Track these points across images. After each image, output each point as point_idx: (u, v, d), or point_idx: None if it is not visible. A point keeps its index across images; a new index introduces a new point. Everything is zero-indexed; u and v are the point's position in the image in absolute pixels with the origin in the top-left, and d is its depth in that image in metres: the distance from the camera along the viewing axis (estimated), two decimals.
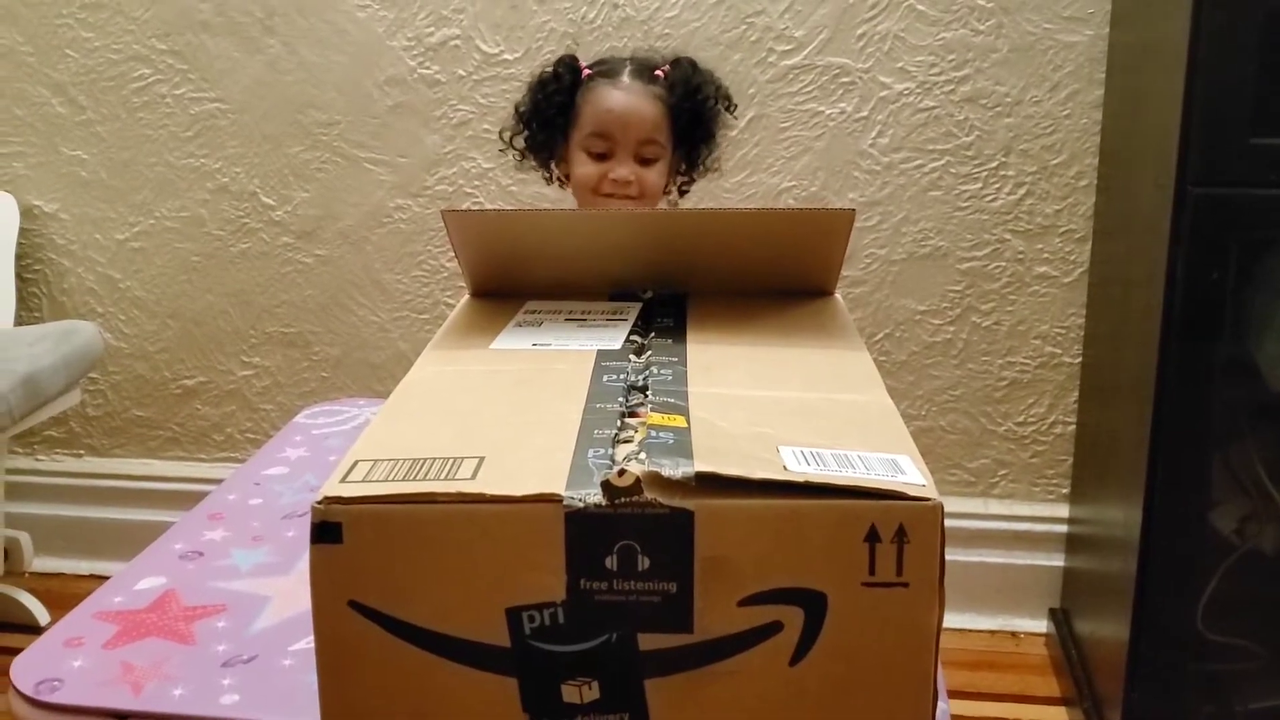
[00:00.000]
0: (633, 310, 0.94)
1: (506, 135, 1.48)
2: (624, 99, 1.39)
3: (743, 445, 0.66)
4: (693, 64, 1.46)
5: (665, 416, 0.69)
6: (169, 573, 0.93)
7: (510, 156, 1.50)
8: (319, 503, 0.60)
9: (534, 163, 1.49)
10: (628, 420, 0.71)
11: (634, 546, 0.60)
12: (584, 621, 0.61)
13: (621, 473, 0.60)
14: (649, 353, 0.82)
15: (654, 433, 0.66)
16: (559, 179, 1.50)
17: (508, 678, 0.62)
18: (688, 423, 0.68)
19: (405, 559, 0.60)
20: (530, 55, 1.82)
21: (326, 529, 0.60)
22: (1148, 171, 1.43)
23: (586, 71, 1.43)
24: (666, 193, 1.49)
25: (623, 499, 0.60)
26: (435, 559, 0.60)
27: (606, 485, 0.60)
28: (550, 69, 1.46)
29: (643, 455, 0.63)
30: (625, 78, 1.41)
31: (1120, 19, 1.63)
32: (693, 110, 1.43)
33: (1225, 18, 1.22)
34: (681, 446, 0.64)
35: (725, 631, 0.61)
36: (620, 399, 0.73)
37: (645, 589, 0.61)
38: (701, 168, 1.51)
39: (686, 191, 1.54)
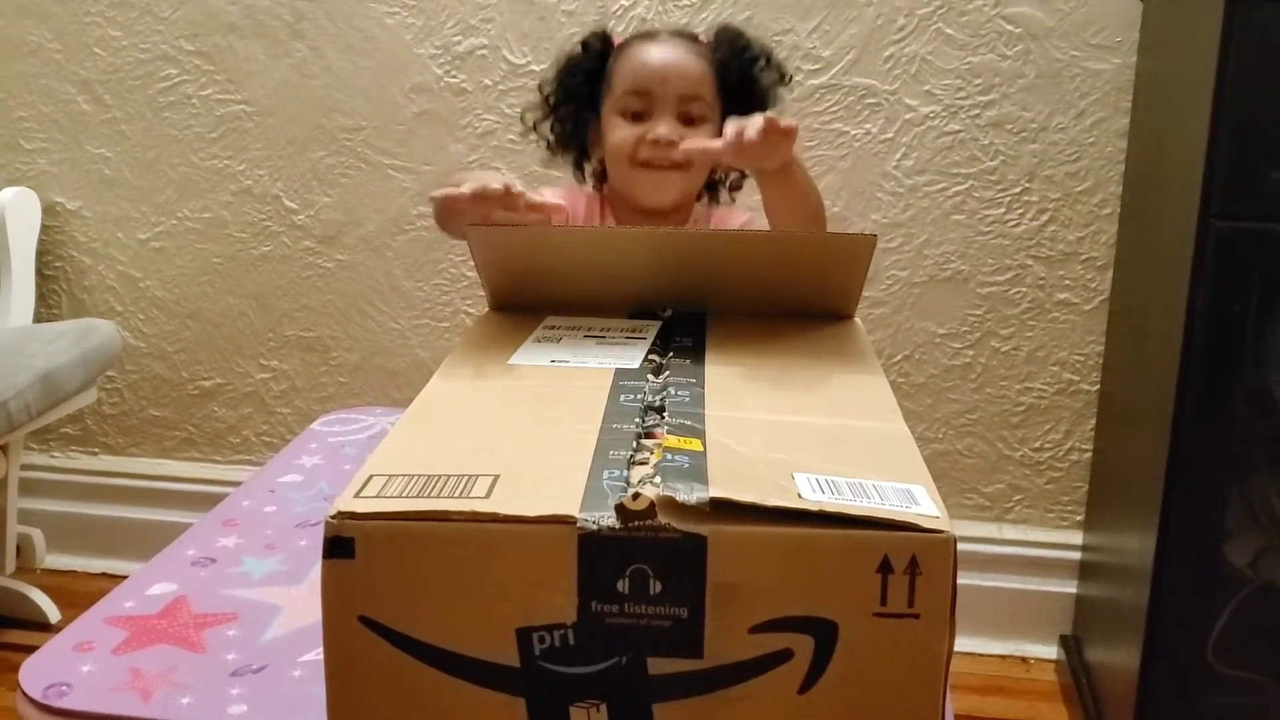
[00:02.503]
0: (652, 329, 0.94)
1: (530, 119, 1.35)
2: (663, 51, 1.25)
3: (759, 471, 0.66)
4: (739, 30, 1.32)
5: (681, 439, 0.69)
6: (180, 579, 0.93)
7: (539, 145, 1.36)
8: (332, 517, 0.60)
9: (563, 155, 1.35)
10: (644, 441, 0.71)
11: (646, 570, 0.60)
12: (594, 644, 0.61)
13: (636, 496, 0.61)
14: (667, 373, 0.82)
15: (670, 455, 0.66)
16: (594, 172, 1.36)
17: (516, 698, 0.62)
18: (704, 446, 0.68)
19: (417, 576, 0.61)
20: None
21: (339, 544, 0.60)
22: (1171, 202, 1.43)
23: (619, 41, 1.31)
24: (714, 178, 1.35)
25: (636, 522, 0.60)
26: (447, 577, 0.61)
27: (620, 508, 0.60)
28: (578, 43, 1.32)
29: (658, 479, 0.63)
30: (664, 35, 1.28)
31: (1148, 48, 1.62)
32: (741, 70, 1.29)
33: (1253, 51, 1.22)
34: (697, 471, 0.64)
35: (735, 658, 0.61)
36: (637, 419, 0.73)
37: (656, 613, 0.61)
38: None
39: (739, 187, 1.38)
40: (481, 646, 0.61)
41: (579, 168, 1.36)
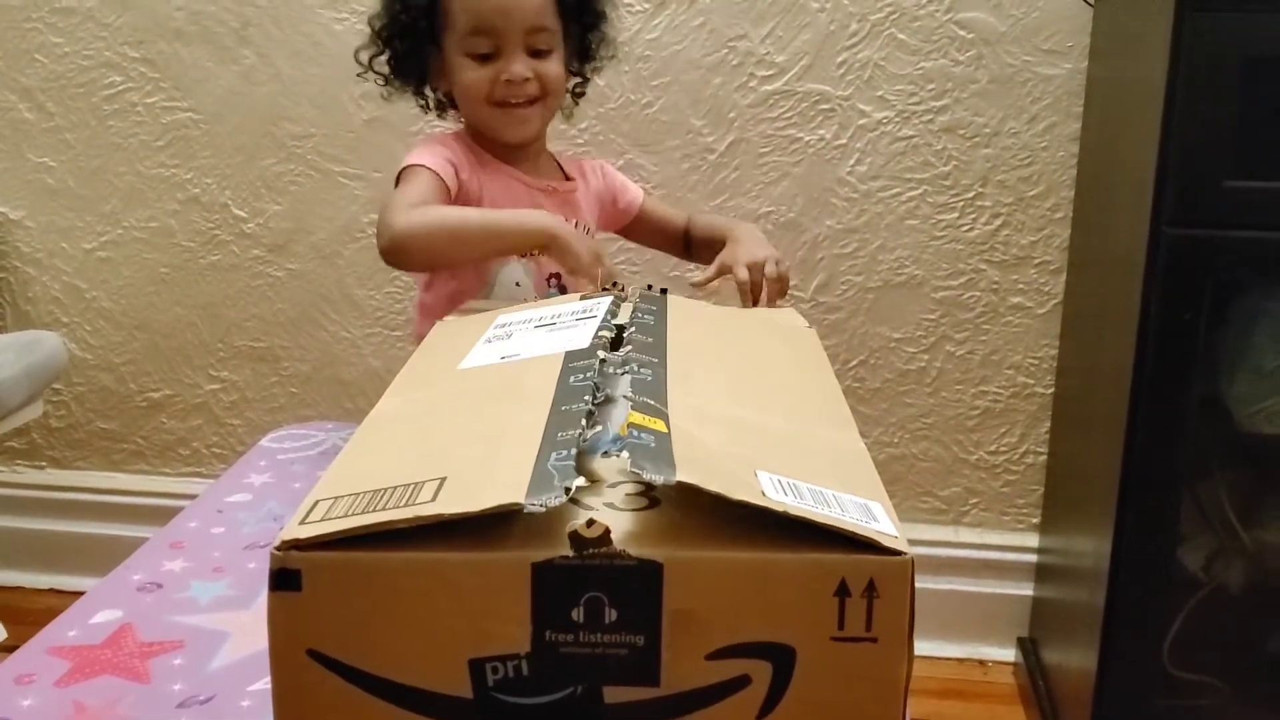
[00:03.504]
0: (601, 305, 0.93)
1: (364, 58, 1.30)
2: None
3: (723, 463, 0.64)
4: None
5: (646, 418, 0.68)
6: (125, 605, 0.91)
7: (374, 83, 1.31)
8: (278, 548, 0.59)
9: (403, 88, 1.31)
10: (594, 418, 0.70)
11: (601, 598, 0.59)
12: (549, 674, 0.60)
13: (590, 523, 0.59)
14: (629, 348, 0.81)
15: (634, 432, 0.64)
16: (440, 100, 1.34)
17: None
18: (668, 428, 0.66)
19: (366, 608, 0.59)
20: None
21: (285, 576, 0.59)
22: (1123, 208, 1.44)
23: None
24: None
25: (591, 550, 0.59)
26: (397, 608, 0.59)
27: (575, 536, 0.59)
28: None
29: (624, 454, 0.62)
30: None
31: (1099, 54, 1.63)
32: None
33: (1203, 59, 1.22)
34: (663, 452, 0.62)
35: (692, 685, 0.61)
36: (586, 398, 0.72)
37: (612, 641, 0.60)
38: (595, 61, 1.36)
39: (582, 94, 1.41)
40: (433, 678, 0.60)
41: (419, 95, 1.34)
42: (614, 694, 0.61)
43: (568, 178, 1.37)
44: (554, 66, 1.25)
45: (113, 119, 1.91)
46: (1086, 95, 1.68)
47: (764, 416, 0.78)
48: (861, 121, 1.75)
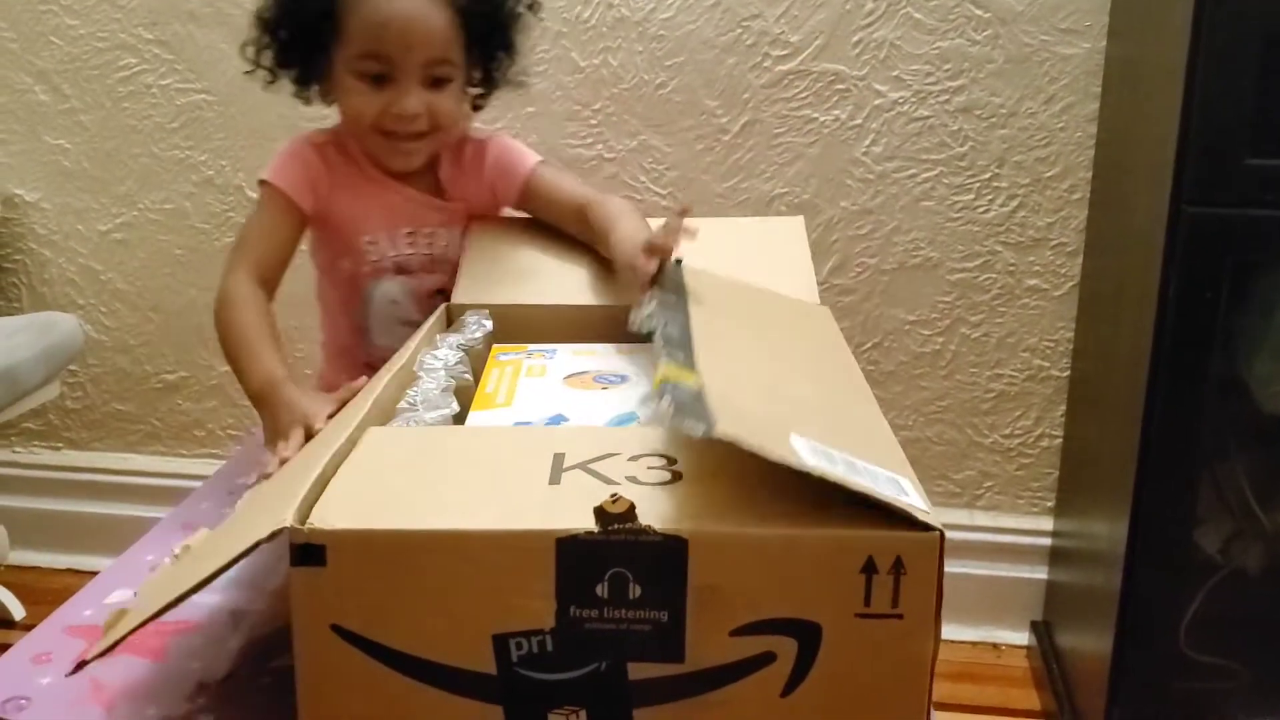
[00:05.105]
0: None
1: (250, 52, 1.21)
2: (403, 7, 1.11)
3: (758, 422, 0.63)
4: None
5: (679, 370, 0.67)
6: (140, 585, 0.91)
7: (259, 77, 1.23)
8: (300, 524, 0.59)
9: (287, 81, 1.23)
10: None
11: (626, 574, 0.59)
12: (573, 649, 0.60)
13: (615, 498, 0.59)
14: (654, 301, 0.81)
15: (668, 384, 0.63)
16: (321, 96, 1.24)
17: (493, 705, 0.61)
18: (700, 384, 0.65)
19: (390, 583, 0.59)
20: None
21: (309, 551, 0.59)
22: (1142, 187, 1.43)
23: None
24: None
25: (616, 525, 0.59)
26: (421, 584, 0.59)
27: (600, 511, 0.59)
28: None
29: (642, 423, 0.61)
30: None
31: (1117, 33, 1.62)
32: (488, 15, 1.19)
33: (1224, 37, 1.22)
34: (699, 406, 0.61)
35: (717, 661, 0.61)
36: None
37: (636, 617, 0.60)
38: (498, 85, 1.27)
39: (481, 107, 1.30)
40: (457, 654, 0.60)
41: (302, 88, 1.24)
42: (638, 670, 0.61)
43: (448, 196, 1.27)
44: (449, 101, 1.16)
45: (127, 101, 1.91)
46: (1105, 75, 1.67)
47: (791, 383, 0.77)
48: (877, 102, 1.74)
